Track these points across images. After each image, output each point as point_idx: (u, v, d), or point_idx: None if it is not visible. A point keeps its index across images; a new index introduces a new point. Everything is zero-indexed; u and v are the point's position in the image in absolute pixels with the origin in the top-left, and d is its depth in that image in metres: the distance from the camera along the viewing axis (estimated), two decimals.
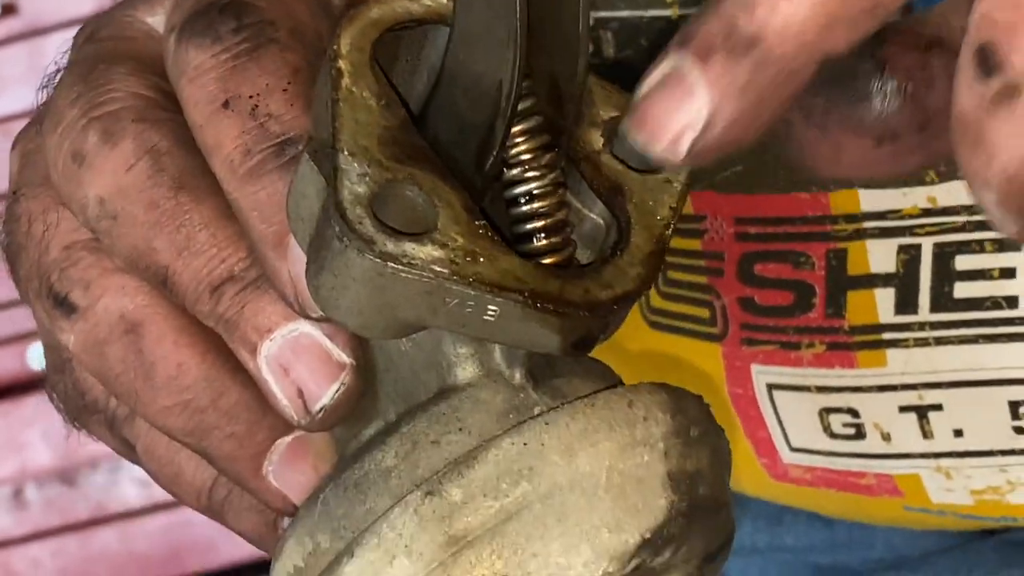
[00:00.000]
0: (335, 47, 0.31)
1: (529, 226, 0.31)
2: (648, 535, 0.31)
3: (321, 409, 0.33)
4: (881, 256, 0.44)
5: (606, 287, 0.31)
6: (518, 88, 0.30)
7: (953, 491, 0.46)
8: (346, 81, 0.30)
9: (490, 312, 0.30)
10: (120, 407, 0.37)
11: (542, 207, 0.31)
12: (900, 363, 0.45)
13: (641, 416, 0.32)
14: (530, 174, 0.31)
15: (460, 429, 0.32)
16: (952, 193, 0.43)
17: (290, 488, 0.34)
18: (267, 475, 0.34)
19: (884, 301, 0.45)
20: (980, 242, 0.43)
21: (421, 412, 0.33)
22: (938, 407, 0.45)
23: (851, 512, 0.52)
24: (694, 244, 0.49)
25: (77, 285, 0.35)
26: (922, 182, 0.43)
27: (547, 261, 0.31)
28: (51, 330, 0.36)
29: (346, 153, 0.29)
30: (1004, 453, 0.45)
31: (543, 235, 0.31)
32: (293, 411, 0.33)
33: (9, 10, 1.79)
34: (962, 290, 0.44)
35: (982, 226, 0.43)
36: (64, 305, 0.35)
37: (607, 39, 0.48)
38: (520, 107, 0.30)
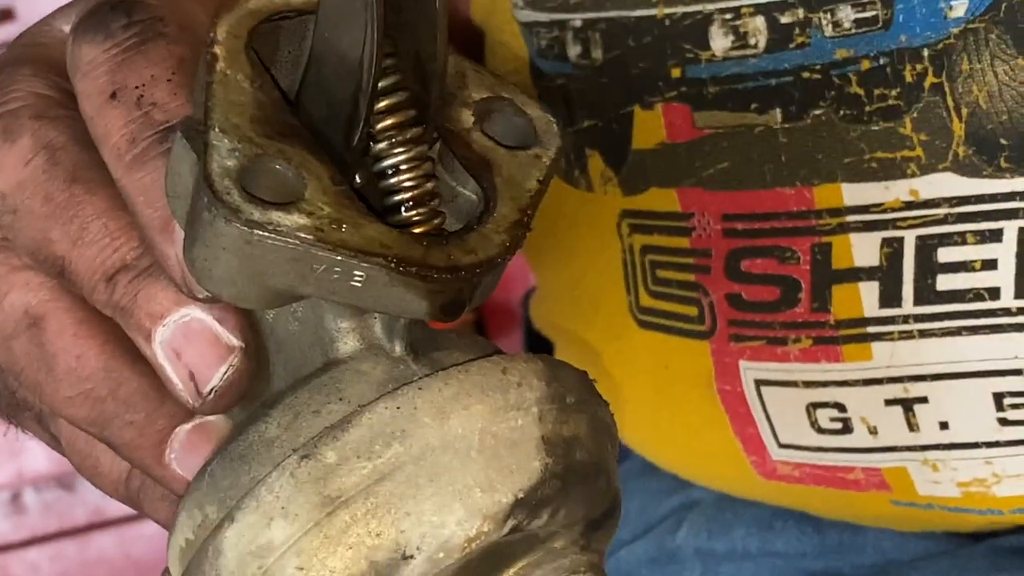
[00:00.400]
0: (212, 34, 0.32)
1: (397, 198, 0.32)
2: (521, 495, 0.32)
3: (211, 391, 0.34)
4: (865, 249, 0.45)
5: (470, 252, 0.32)
6: (378, 64, 0.31)
7: (940, 483, 0.46)
8: (221, 65, 0.32)
9: (357, 278, 0.31)
10: (44, 407, 0.38)
11: (408, 179, 0.32)
12: (885, 356, 0.46)
13: (515, 382, 0.33)
14: (396, 148, 0.32)
15: (340, 399, 0.33)
16: (934, 185, 0.43)
17: (193, 474, 0.35)
18: (170, 463, 0.35)
19: (868, 294, 0.45)
20: (962, 234, 0.43)
21: (303, 385, 0.34)
22: (923, 400, 0.46)
23: (839, 510, 0.52)
24: (682, 242, 0.49)
25: None
26: (904, 175, 0.43)
27: (415, 231, 0.32)
28: None
29: (217, 130, 0.31)
30: (989, 445, 0.45)
31: (411, 205, 0.32)
32: (187, 394, 0.34)
33: (6, 15, 1.79)
34: (945, 282, 0.44)
35: (964, 218, 0.43)
36: None
37: (595, 40, 0.49)
38: (385, 83, 0.32)
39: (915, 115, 0.42)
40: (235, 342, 0.34)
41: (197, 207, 0.31)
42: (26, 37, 0.38)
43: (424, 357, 0.34)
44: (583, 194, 0.52)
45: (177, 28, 0.35)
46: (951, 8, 0.41)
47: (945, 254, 0.44)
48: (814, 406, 0.48)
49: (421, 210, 0.32)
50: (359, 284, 0.31)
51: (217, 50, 0.32)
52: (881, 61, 0.43)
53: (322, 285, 0.31)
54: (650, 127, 0.48)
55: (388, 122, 0.32)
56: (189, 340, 0.34)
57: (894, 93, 0.43)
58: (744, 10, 0.45)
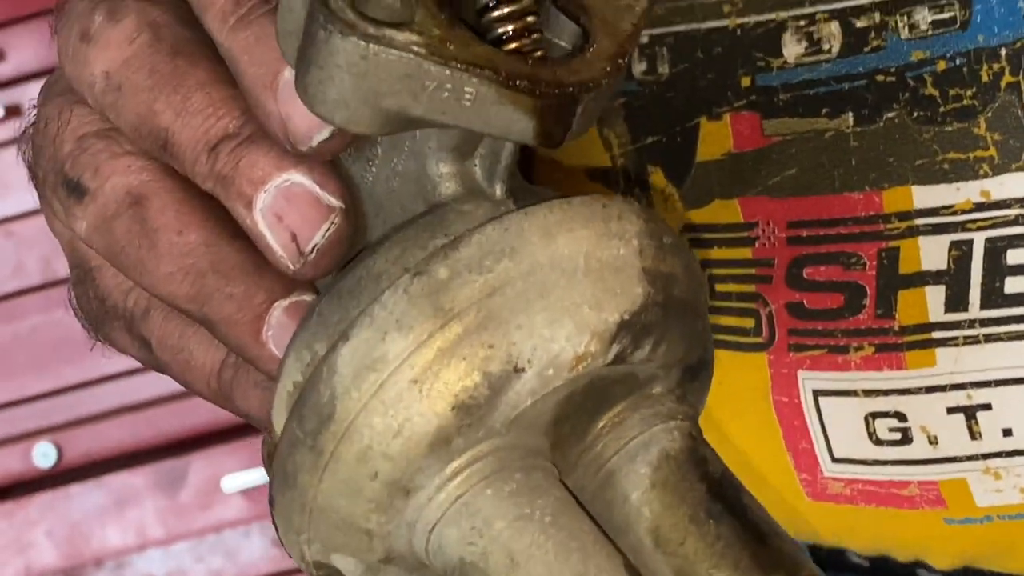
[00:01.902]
0: None
1: (500, 30, 0.33)
2: (627, 316, 0.34)
3: (313, 249, 0.35)
4: (933, 253, 0.45)
5: (574, 73, 0.33)
6: None
7: (1002, 491, 0.46)
8: None
9: (467, 95, 0.32)
10: (136, 306, 0.39)
11: (511, 11, 0.33)
12: (949, 362, 0.46)
13: (615, 215, 0.35)
14: None
15: (446, 234, 0.34)
16: (1006, 186, 0.44)
17: None
18: (267, 340, 0.36)
19: (934, 299, 0.46)
20: None
21: (409, 224, 0.35)
22: (987, 406, 0.46)
23: (887, 535, 0.52)
24: (744, 253, 0.49)
25: (87, 169, 0.37)
26: (976, 175, 0.44)
27: (532, 53, 0.33)
28: (68, 225, 0.39)
29: None
30: None
31: (513, 36, 0.33)
32: (288, 257, 0.35)
33: (13, 112, 1.81)
34: (1013, 285, 0.45)
35: None
36: (76, 190, 0.37)
37: (662, 55, 0.50)
38: None
39: (990, 115, 0.43)
40: (336, 202, 0.35)
41: (311, 30, 0.32)
42: None
43: (523, 201, 0.35)
44: None
45: None
46: None
47: (1014, 256, 0.44)
48: (873, 416, 0.48)
49: (524, 41, 0.33)
50: (468, 102, 0.32)
51: None
52: (958, 61, 0.44)
53: (432, 104, 0.32)
54: (716, 138, 0.49)
55: None
56: (290, 203, 0.35)
57: (969, 93, 0.43)
58: (819, 16, 0.46)
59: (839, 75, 0.46)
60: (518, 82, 0.32)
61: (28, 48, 1.78)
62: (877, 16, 0.45)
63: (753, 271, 0.49)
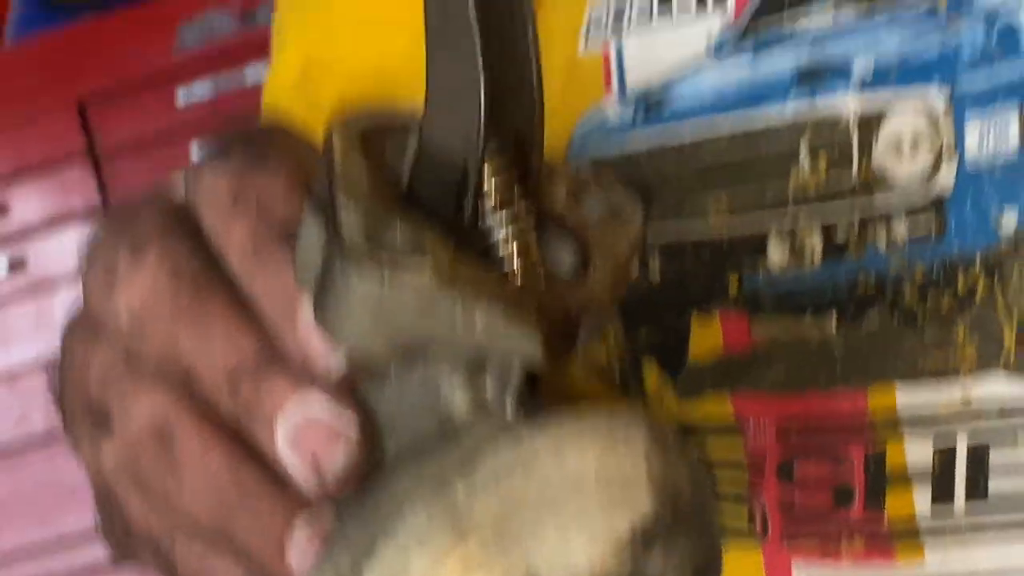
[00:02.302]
0: (328, 134, 0.36)
1: (504, 253, 0.35)
2: (639, 526, 0.35)
3: (333, 474, 0.36)
4: (918, 453, 0.47)
5: (577, 297, 0.35)
6: (485, 147, 0.34)
7: None
8: (338, 155, 0.35)
9: (478, 318, 0.34)
10: (161, 531, 0.40)
11: (516, 240, 0.35)
12: (938, 558, 0.47)
13: (622, 426, 0.36)
14: (504, 216, 0.35)
15: (461, 453, 0.35)
16: (986, 388, 0.45)
17: None
18: (291, 560, 0.37)
19: (921, 497, 0.47)
20: (1014, 436, 0.45)
21: (423, 444, 0.36)
22: None
23: None
24: (737, 448, 0.51)
25: (113, 403, 0.39)
26: (957, 378, 0.45)
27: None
28: (94, 456, 0.40)
29: (342, 196, 0.34)
30: None
31: (520, 267, 0.35)
32: (310, 482, 0.36)
33: (17, 266, 1.83)
34: (997, 485, 0.46)
35: (1016, 417, 0.45)
36: (103, 424, 0.39)
37: (653, 258, 0.52)
38: (489, 159, 0.35)
39: (968, 320, 0.45)
40: (353, 427, 0.36)
41: (328, 264, 0.34)
42: (145, 196, 0.42)
43: (533, 417, 0.36)
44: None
45: (289, 152, 0.39)
46: (1002, 220, 0.44)
47: (997, 456, 0.46)
48: None
49: (527, 263, 0.35)
50: (480, 326, 0.34)
51: (334, 144, 0.35)
52: (934, 270, 0.45)
53: (446, 330, 0.34)
54: (707, 337, 0.51)
55: (493, 193, 0.35)
56: (310, 429, 0.36)
57: (947, 300, 0.45)
58: (801, 225, 0.48)
59: (821, 282, 0.47)
60: (525, 308, 0.34)
61: (31, 202, 1.80)
62: (857, 226, 0.46)
63: (745, 466, 0.51)
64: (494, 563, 0.34)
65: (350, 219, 0.34)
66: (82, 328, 0.41)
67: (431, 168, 0.36)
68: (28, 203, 1.82)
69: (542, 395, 0.41)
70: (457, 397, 0.37)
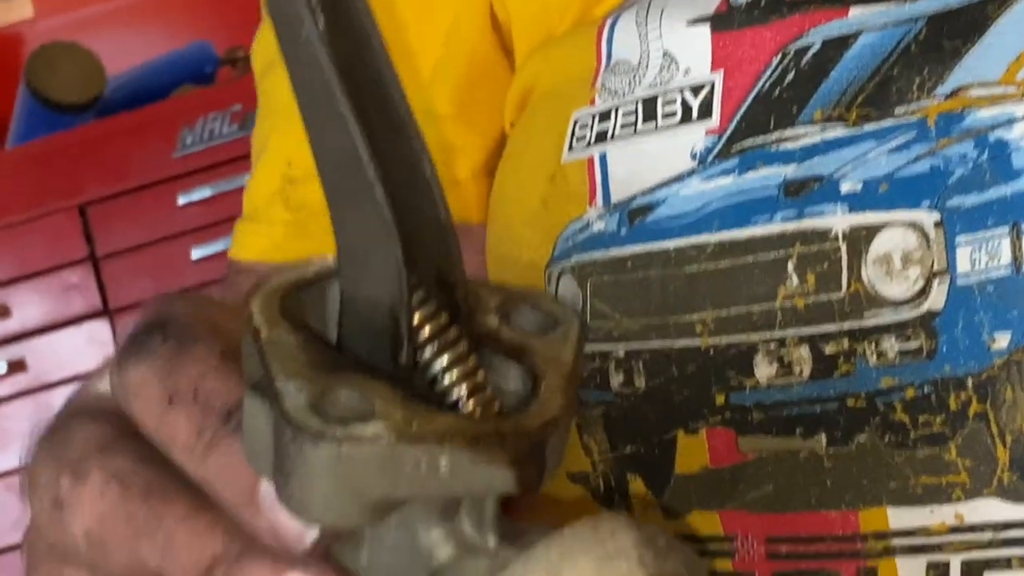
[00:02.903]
0: (249, 313, 0.35)
1: (454, 396, 0.34)
2: None
3: None
4: (910, 573, 0.46)
5: (534, 417, 0.34)
6: (409, 288, 0.34)
7: None
8: (265, 332, 0.34)
9: (443, 465, 0.33)
10: None
11: (459, 375, 0.34)
12: None
13: (608, 534, 0.35)
14: (440, 352, 0.35)
15: None
16: (979, 510, 0.44)
17: None
18: None
19: None
20: (1008, 559, 0.44)
21: None
22: None
23: None
24: (725, 565, 0.50)
25: None
26: (950, 499, 0.45)
27: (488, 411, 0.34)
28: None
29: (281, 377, 0.33)
30: None
31: (469, 399, 0.34)
32: None
33: (16, 367, 1.82)
34: None
35: (1009, 543, 0.44)
36: None
37: (638, 369, 0.51)
38: (415, 299, 0.34)
39: (960, 441, 0.44)
40: None
41: (282, 446, 0.33)
42: (68, 405, 0.41)
43: (517, 542, 0.36)
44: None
45: (208, 329, 0.38)
46: (994, 340, 0.44)
47: None
48: None
49: (479, 398, 0.34)
50: (446, 471, 0.33)
51: (257, 322, 0.35)
52: (925, 390, 0.45)
53: (413, 482, 0.33)
54: (693, 452, 0.50)
55: (427, 331, 0.34)
56: None
57: (939, 420, 0.44)
58: (789, 340, 0.47)
59: (810, 398, 0.47)
60: (486, 441, 0.33)
61: (31, 305, 1.80)
62: (846, 342, 0.46)
63: None
64: None
65: (293, 395, 0.33)
66: (44, 555, 0.40)
67: (359, 322, 0.35)
68: (29, 305, 1.82)
69: (520, 508, 0.40)
70: (437, 544, 0.36)
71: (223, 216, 1.78)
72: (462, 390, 0.34)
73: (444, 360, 0.35)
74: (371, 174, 0.33)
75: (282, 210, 0.65)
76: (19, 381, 1.82)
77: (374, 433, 0.32)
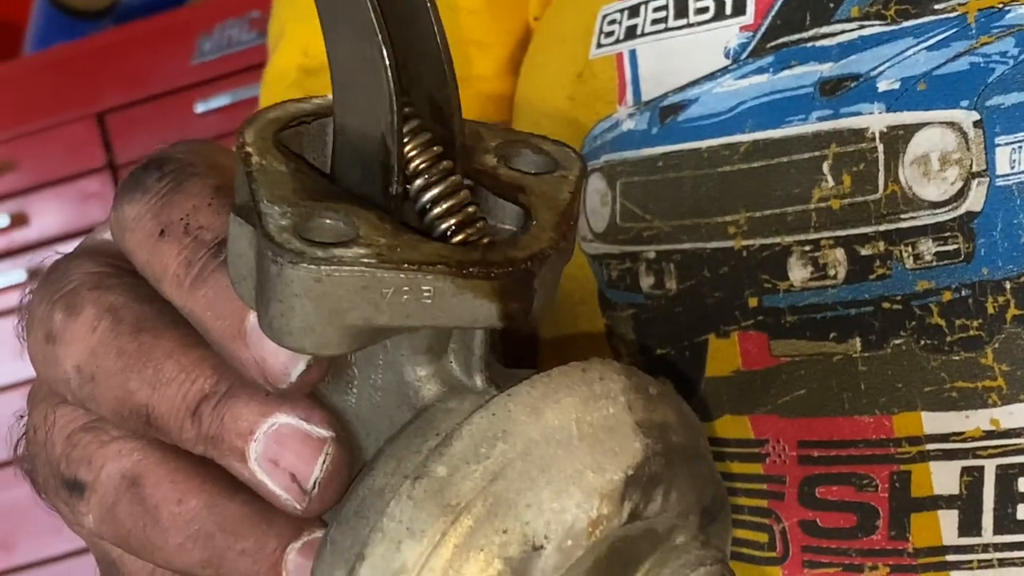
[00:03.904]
0: (241, 140, 0.35)
1: (443, 225, 0.34)
2: (631, 472, 0.34)
3: (315, 484, 0.35)
4: (944, 478, 0.45)
5: (523, 248, 0.33)
6: (399, 115, 0.33)
7: None
8: (255, 159, 0.34)
9: (425, 294, 0.32)
10: None
11: (450, 205, 0.34)
12: None
13: (597, 377, 0.35)
14: (432, 181, 0.34)
15: (436, 434, 0.34)
16: (1015, 416, 0.44)
17: None
18: None
19: (948, 523, 0.45)
20: None
21: (399, 434, 0.35)
22: None
23: None
24: (755, 468, 0.49)
25: (81, 465, 0.38)
26: (985, 404, 0.44)
27: (479, 242, 0.34)
28: (76, 523, 0.39)
29: (266, 201, 0.33)
30: None
31: (458, 230, 0.34)
32: (292, 499, 0.35)
33: (36, 275, 1.82)
34: None
35: None
36: (75, 488, 0.38)
37: (669, 271, 0.50)
38: (407, 129, 0.34)
39: (996, 346, 0.44)
40: (325, 433, 0.35)
41: (263, 269, 0.32)
42: (74, 249, 0.41)
43: (505, 386, 0.35)
44: None
45: (207, 167, 0.37)
46: None
47: None
48: None
49: (469, 231, 0.34)
50: (429, 300, 0.32)
51: (249, 148, 0.34)
52: (963, 293, 0.44)
53: (395, 310, 0.32)
54: (725, 355, 0.49)
55: (418, 162, 0.34)
56: (282, 445, 0.35)
57: (976, 324, 0.44)
58: (824, 242, 0.46)
59: (845, 301, 0.46)
60: (471, 269, 0.32)
61: (50, 213, 1.80)
62: (882, 245, 0.45)
63: (765, 487, 0.49)
64: (491, 537, 0.33)
65: (276, 219, 0.32)
66: (39, 400, 0.40)
67: (351, 151, 0.34)
68: (48, 214, 1.82)
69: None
70: (424, 381, 0.36)
71: (241, 124, 1.77)
72: (452, 222, 0.34)
73: (435, 191, 0.34)
74: None
75: None
76: None
77: (355, 255, 0.32)
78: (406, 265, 0.32)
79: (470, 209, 0.34)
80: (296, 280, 0.32)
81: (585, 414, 0.34)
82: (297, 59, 0.64)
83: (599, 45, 0.52)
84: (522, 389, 0.34)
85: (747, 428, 0.49)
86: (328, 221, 0.33)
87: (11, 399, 1.76)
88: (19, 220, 1.80)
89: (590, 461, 0.34)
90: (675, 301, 0.50)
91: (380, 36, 0.32)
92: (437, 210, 0.34)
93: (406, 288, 0.32)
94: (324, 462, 0.35)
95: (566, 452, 0.34)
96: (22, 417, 0.41)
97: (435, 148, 0.34)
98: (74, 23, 2.02)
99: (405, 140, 0.34)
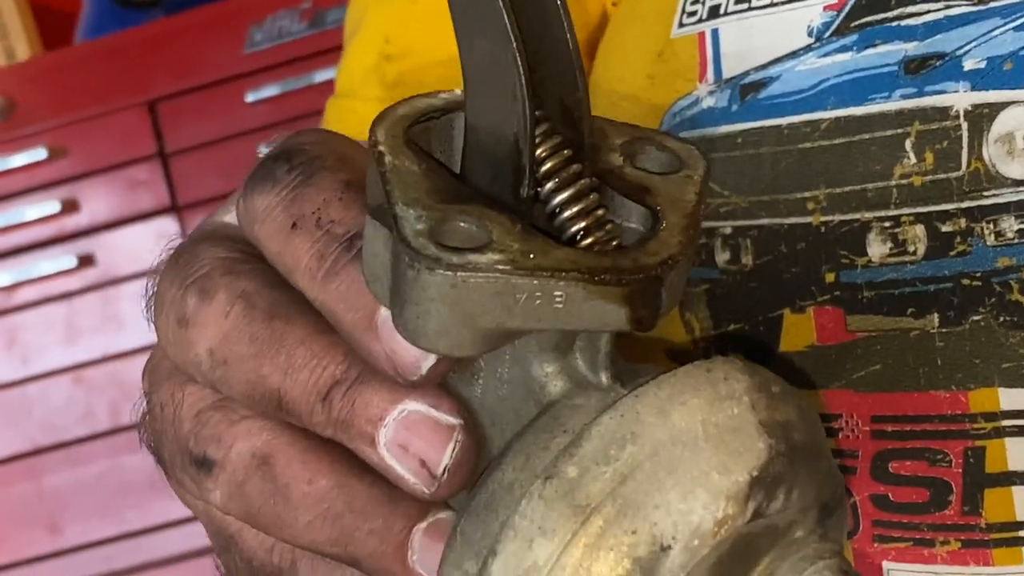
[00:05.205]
0: (373, 138, 0.35)
1: (573, 229, 0.34)
2: (756, 473, 0.34)
3: (444, 470, 0.36)
4: (1019, 454, 0.46)
5: (653, 254, 0.34)
6: (532, 119, 0.34)
7: None
8: (388, 158, 0.35)
9: (557, 299, 0.33)
10: (283, 560, 0.40)
11: (580, 210, 0.34)
12: None
13: (721, 377, 0.36)
14: (562, 186, 0.35)
15: (564, 431, 0.35)
16: None
17: (435, 573, 0.36)
18: (413, 565, 0.37)
19: (1021, 499, 0.46)
20: None
21: (527, 430, 0.36)
22: None
23: None
24: (828, 443, 0.50)
25: (211, 442, 0.38)
26: None
27: (608, 246, 0.34)
28: (202, 498, 0.39)
29: (401, 204, 0.33)
30: None
31: (587, 233, 0.34)
32: (422, 483, 0.36)
33: (86, 261, 1.84)
34: None
35: None
36: (204, 464, 0.38)
37: (746, 246, 0.51)
38: (540, 131, 0.34)
39: None
40: (454, 420, 0.36)
41: (399, 271, 0.33)
42: (193, 232, 0.42)
43: (629, 383, 0.36)
44: None
45: (335, 159, 0.38)
46: None
47: None
48: None
49: (598, 234, 0.34)
50: (560, 304, 0.33)
51: (382, 147, 0.35)
52: None
53: (527, 314, 0.33)
54: (800, 330, 0.50)
55: (549, 165, 0.35)
56: (412, 431, 0.36)
57: None
58: (904, 218, 0.47)
59: (924, 277, 0.47)
60: (603, 276, 0.33)
61: (101, 200, 1.82)
62: (963, 222, 0.45)
63: (837, 461, 0.50)
64: (620, 537, 0.33)
65: (411, 222, 0.33)
66: (164, 378, 0.40)
67: (482, 152, 0.35)
68: (98, 201, 1.83)
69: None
70: (551, 378, 0.36)
71: (290, 114, 1.79)
72: (581, 225, 0.34)
73: (565, 195, 0.35)
74: (500, 1, 0.33)
75: (377, 87, 0.65)
76: (88, 276, 1.84)
77: (490, 262, 0.32)
78: (539, 271, 0.33)
79: (599, 212, 0.35)
80: (432, 285, 0.32)
81: (711, 415, 0.35)
82: (378, 44, 0.64)
83: (681, 24, 0.53)
84: (649, 390, 0.35)
85: (821, 403, 0.50)
86: (462, 225, 0.33)
87: (60, 383, 1.77)
88: (70, 206, 1.82)
89: (716, 462, 0.34)
90: (751, 276, 0.51)
91: (515, 42, 0.33)
92: (567, 213, 0.35)
93: (539, 294, 0.33)
94: (453, 449, 0.36)
95: (692, 453, 0.34)
96: (146, 395, 0.42)
97: (565, 151, 0.35)
98: (126, 12, 2.03)
99: (536, 143, 0.34)
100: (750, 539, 0.35)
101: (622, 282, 0.33)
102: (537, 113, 0.34)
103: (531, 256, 0.33)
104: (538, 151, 0.34)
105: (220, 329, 0.38)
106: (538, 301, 0.33)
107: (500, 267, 0.32)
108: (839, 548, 0.38)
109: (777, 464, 0.35)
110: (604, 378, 0.36)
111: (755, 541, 0.36)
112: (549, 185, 0.35)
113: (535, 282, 0.33)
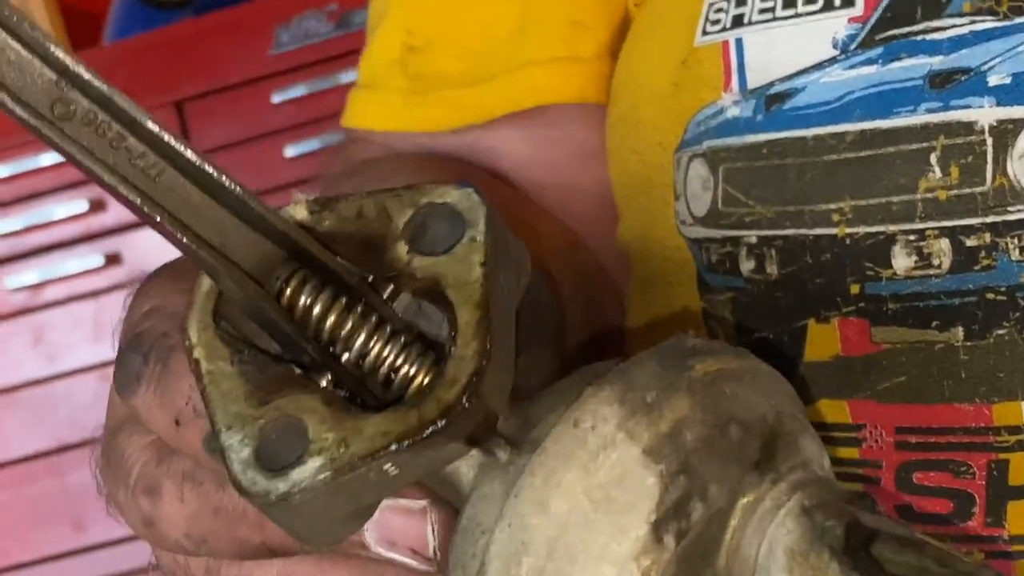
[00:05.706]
0: (187, 341, 0.35)
1: (380, 377, 0.35)
2: (654, 516, 0.34)
3: (435, 551, 0.38)
4: None
5: (453, 384, 0.33)
6: (258, 290, 0.34)
7: None
8: (204, 365, 0.35)
9: (391, 470, 0.33)
10: None
11: (375, 357, 0.35)
12: None
13: (589, 427, 0.34)
14: (348, 341, 0.35)
15: (483, 532, 0.35)
16: None
17: None
18: None
19: None
20: None
21: (458, 532, 0.36)
22: None
23: None
24: (852, 453, 0.50)
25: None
26: None
27: (414, 385, 0.34)
28: None
29: (224, 430, 0.34)
30: None
31: (394, 375, 0.35)
32: (424, 566, 0.38)
33: (113, 260, 1.85)
34: None
35: None
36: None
37: (771, 256, 0.51)
38: (306, 289, 0.35)
39: None
40: (419, 504, 0.38)
41: (246, 497, 0.34)
42: (111, 421, 0.43)
43: (527, 444, 0.36)
44: None
45: (173, 324, 0.39)
46: None
47: None
48: None
49: (406, 369, 0.35)
50: (398, 471, 0.33)
51: (197, 354, 0.35)
52: None
53: (371, 490, 0.34)
54: (825, 340, 0.50)
55: (328, 325, 0.35)
56: (389, 526, 0.38)
57: None
58: (929, 232, 0.47)
59: (949, 290, 0.47)
60: (416, 436, 0.33)
61: None
62: (988, 236, 0.46)
63: (861, 471, 0.50)
64: None
65: (237, 451, 0.33)
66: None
67: (262, 326, 0.35)
68: None
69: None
70: (459, 471, 0.37)
71: (317, 115, 1.79)
72: (383, 372, 0.35)
73: (354, 349, 0.35)
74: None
75: (400, 78, 0.65)
76: (115, 274, 1.85)
77: (312, 471, 0.33)
78: (357, 461, 0.33)
79: (391, 356, 0.35)
80: (276, 513, 0.34)
81: (591, 479, 0.34)
82: (400, 36, 0.65)
83: (704, 32, 0.53)
84: (524, 483, 0.35)
85: (845, 413, 0.50)
86: (281, 425, 0.33)
87: (87, 381, 1.78)
88: (97, 206, 1.83)
89: (610, 529, 0.34)
90: (776, 286, 0.51)
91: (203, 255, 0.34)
92: (368, 364, 0.35)
93: (372, 475, 0.33)
94: (433, 530, 0.38)
95: (586, 532, 0.34)
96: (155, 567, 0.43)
97: (336, 305, 0.35)
98: (154, 13, 2.04)
99: (301, 312, 0.34)
100: (697, 542, 0.35)
101: (436, 432, 0.33)
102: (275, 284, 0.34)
103: (347, 445, 0.33)
104: (315, 311, 0.34)
105: (183, 515, 0.39)
106: (375, 480, 0.33)
107: (322, 475, 0.33)
108: (801, 477, 0.36)
109: (676, 486, 0.34)
110: (502, 454, 0.36)
111: (703, 537, 0.35)
112: (339, 346, 0.35)
113: (360, 471, 0.33)
